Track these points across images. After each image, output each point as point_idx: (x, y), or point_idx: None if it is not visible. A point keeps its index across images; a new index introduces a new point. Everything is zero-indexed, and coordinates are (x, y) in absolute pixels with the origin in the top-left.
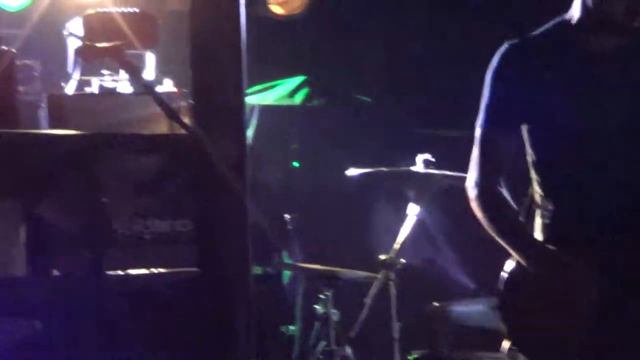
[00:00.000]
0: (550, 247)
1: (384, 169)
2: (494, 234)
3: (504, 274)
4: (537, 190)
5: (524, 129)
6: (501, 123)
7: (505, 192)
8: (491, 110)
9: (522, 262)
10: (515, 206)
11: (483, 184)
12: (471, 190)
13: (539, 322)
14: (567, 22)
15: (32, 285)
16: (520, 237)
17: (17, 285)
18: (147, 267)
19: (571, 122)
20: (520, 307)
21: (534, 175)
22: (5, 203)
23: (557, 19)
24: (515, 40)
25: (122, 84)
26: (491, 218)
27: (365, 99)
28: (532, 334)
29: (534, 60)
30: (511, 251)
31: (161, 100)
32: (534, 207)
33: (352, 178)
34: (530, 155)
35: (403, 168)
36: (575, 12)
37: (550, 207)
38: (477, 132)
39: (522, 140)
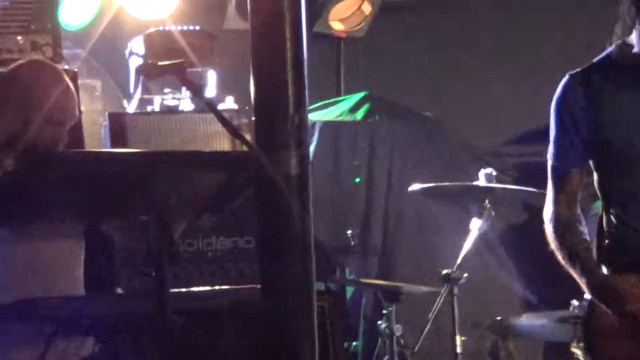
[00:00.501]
0: (605, 274)
1: (446, 183)
2: (565, 266)
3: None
4: (602, 207)
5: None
6: (569, 155)
7: (579, 222)
8: (558, 143)
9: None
10: (585, 236)
11: (556, 219)
12: (547, 225)
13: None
14: (627, 48)
15: (95, 304)
16: (580, 267)
17: (81, 304)
18: (210, 284)
19: (633, 141)
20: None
21: (599, 192)
22: (68, 222)
23: (618, 44)
24: (577, 71)
25: (184, 101)
26: (560, 249)
27: (427, 114)
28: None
29: (596, 85)
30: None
31: (223, 118)
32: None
33: (415, 193)
34: (595, 174)
35: (466, 183)
36: (636, 43)
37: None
38: (548, 164)
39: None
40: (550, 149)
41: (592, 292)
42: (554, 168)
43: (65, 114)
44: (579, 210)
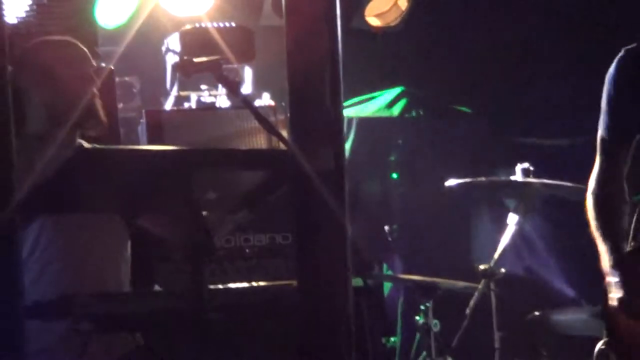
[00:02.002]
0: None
1: (483, 178)
2: (595, 239)
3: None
4: None
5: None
6: (619, 128)
7: (622, 198)
8: (609, 115)
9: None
10: (623, 214)
11: (598, 193)
12: (588, 198)
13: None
14: None
15: (133, 301)
16: (607, 244)
17: (119, 301)
18: (248, 280)
19: None
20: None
21: None
22: (108, 219)
23: None
24: (633, 45)
25: (221, 98)
26: (596, 226)
27: (464, 109)
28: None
29: None
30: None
31: (259, 114)
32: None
33: (451, 188)
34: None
35: (502, 178)
36: None
37: None
38: (598, 135)
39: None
40: (601, 120)
41: (610, 270)
42: (602, 140)
43: (85, 70)
44: (624, 186)
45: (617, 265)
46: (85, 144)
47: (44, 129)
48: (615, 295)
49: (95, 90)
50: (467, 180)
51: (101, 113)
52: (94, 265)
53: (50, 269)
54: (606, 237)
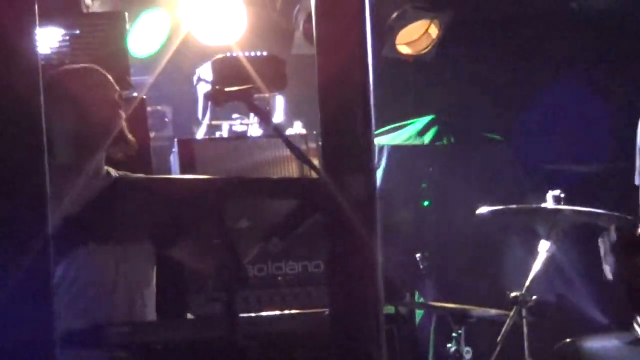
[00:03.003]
0: None
1: (514, 206)
2: None
3: None
4: None
5: None
6: None
7: None
8: None
9: None
10: None
11: None
12: None
13: None
14: None
15: (166, 330)
16: None
17: (151, 330)
18: (280, 309)
19: None
20: None
21: None
22: (139, 247)
23: None
24: None
25: (253, 127)
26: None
27: (495, 137)
28: None
29: None
30: None
31: (291, 143)
32: None
33: (483, 216)
34: None
35: (534, 205)
36: None
37: None
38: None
39: None
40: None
41: None
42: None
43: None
44: None
45: None
46: (113, 172)
47: (72, 159)
48: None
49: (121, 113)
50: (498, 207)
51: (129, 135)
52: (123, 295)
53: (80, 299)
54: None
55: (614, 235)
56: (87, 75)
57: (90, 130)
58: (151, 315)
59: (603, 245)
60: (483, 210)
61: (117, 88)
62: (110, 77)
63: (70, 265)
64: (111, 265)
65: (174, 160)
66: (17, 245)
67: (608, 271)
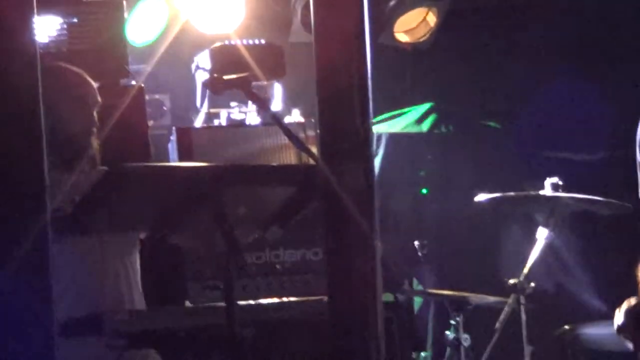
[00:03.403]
0: None
1: (512, 193)
2: None
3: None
4: None
5: None
6: None
7: None
8: None
9: None
10: None
11: None
12: None
13: None
14: None
15: (165, 317)
16: None
17: (151, 317)
18: (278, 296)
19: None
20: None
21: None
22: (137, 235)
23: None
24: None
25: (251, 115)
26: None
27: (493, 124)
28: None
29: None
30: None
31: (289, 131)
32: None
33: (481, 203)
34: None
35: (531, 192)
36: None
37: None
38: None
39: None
40: None
41: None
42: None
43: (87, 100)
44: None
45: None
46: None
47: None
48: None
49: (92, 119)
50: (496, 195)
51: (94, 148)
52: (111, 283)
53: (70, 290)
54: None
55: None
56: (55, 76)
57: (61, 132)
58: (138, 301)
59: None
60: (481, 197)
61: (94, 86)
62: (85, 75)
63: (67, 255)
64: (96, 256)
65: (172, 148)
66: (15, 235)
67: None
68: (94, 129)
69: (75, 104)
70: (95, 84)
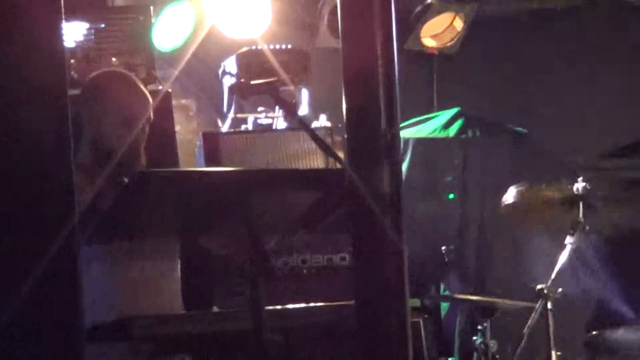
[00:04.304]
0: None
1: (543, 184)
2: None
3: None
4: None
5: None
6: None
7: None
8: None
9: None
10: None
11: None
12: None
13: None
14: None
15: (192, 322)
16: None
17: (178, 322)
18: (305, 301)
19: None
20: None
21: None
22: (164, 240)
23: None
24: None
25: (277, 120)
26: None
27: (520, 129)
28: None
29: None
30: None
31: (316, 136)
32: None
33: (508, 206)
34: None
35: (563, 181)
36: None
37: None
38: None
39: None
40: None
41: None
42: None
43: (138, 114)
44: None
45: None
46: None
47: (89, 163)
48: None
49: (143, 133)
50: (523, 188)
51: (142, 157)
52: (147, 290)
53: (104, 296)
54: None
55: None
56: (113, 84)
57: (107, 142)
58: (176, 308)
59: None
60: (508, 199)
61: (149, 99)
62: (140, 86)
63: (90, 264)
64: (132, 262)
65: (199, 153)
66: (44, 238)
67: None
68: (142, 144)
69: (126, 117)
70: (149, 97)
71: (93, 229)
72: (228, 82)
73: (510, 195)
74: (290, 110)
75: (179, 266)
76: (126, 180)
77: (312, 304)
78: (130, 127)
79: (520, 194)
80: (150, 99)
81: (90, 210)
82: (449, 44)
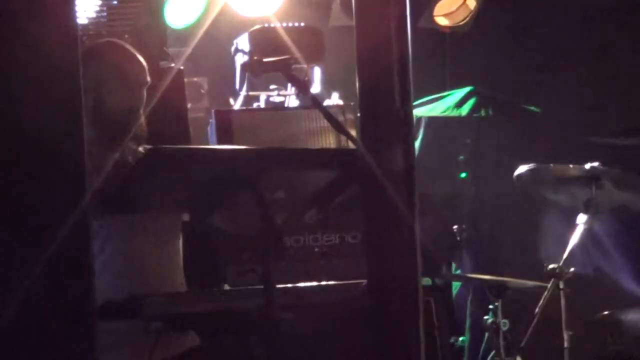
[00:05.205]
0: None
1: (551, 165)
2: None
3: None
4: None
5: None
6: None
7: None
8: None
9: None
10: None
11: None
12: None
13: None
14: None
15: (202, 300)
16: None
17: (188, 301)
18: (317, 280)
19: None
20: None
21: None
22: (180, 219)
23: None
24: None
25: (290, 98)
26: None
27: (533, 109)
28: None
29: None
30: None
31: (329, 114)
32: None
33: (520, 177)
34: None
35: (571, 165)
36: None
37: None
38: None
39: None
40: None
41: None
42: None
43: (134, 79)
44: None
45: None
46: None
47: (94, 133)
48: None
49: (142, 95)
50: (536, 165)
51: (143, 122)
52: (153, 267)
53: (111, 271)
54: None
55: None
56: (108, 52)
57: (108, 109)
58: (179, 281)
59: None
60: (521, 169)
61: (142, 63)
62: (135, 52)
63: (102, 237)
64: (142, 234)
65: (211, 131)
66: (54, 217)
67: None
68: (141, 108)
69: (124, 81)
70: (145, 63)
71: (102, 205)
72: (240, 59)
73: (522, 174)
74: (302, 88)
75: (180, 243)
76: (131, 159)
77: (323, 283)
78: (128, 91)
79: (532, 173)
80: (145, 64)
81: (99, 187)
82: (462, 23)
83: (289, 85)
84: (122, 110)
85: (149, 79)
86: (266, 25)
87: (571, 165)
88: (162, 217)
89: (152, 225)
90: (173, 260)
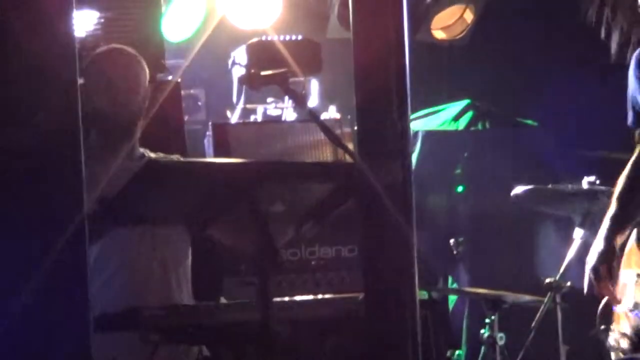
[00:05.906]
0: None
1: (550, 186)
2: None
3: None
4: None
5: None
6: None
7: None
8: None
9: None
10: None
11: (627, 174)
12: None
13: None
14: None
15: (200, 313)
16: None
17: (186, 313)
18: (314, 293)
19: None
20: None
21: None
22: (173, 228)
23: None
24: None
25: (287, 111)
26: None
27: (530, 122)
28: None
29: None
30: None
31: (325, 127)
32: None
33: (517, 197)
34: None
35: (569, 186)
36: None
37: None
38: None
39: None
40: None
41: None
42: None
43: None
44: None
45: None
46: (148, 153)
47: (103, 140)
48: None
49: (145, 96)
50: (533, 186)
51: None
52: (158, 277)
53: (113, 282)
54: (618, 205)
55: None
56: (115, 57)
57: (119, 113)
58: (186, 297)
59: None
60: (517, 190)
61: (146, 69)
62: (140, 59)
63: (104, 248)
64: (146, 248)
65: (208, 143)
66: (52, 226)
67: None
68: (140, 119)
69: (132, 85)
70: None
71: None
72: (238, 72)
73: (520, 194)
74: (300, 101)
75: (189, 255)
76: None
77: (320, 296)
78: (136, 96)
79: (530, 193)
80: (146, 68)
81: (98, 198)
82: (459, 36)
83: (286, 98)
84: (117, 114)
85: (147, 81)
86: (263, 38)
87: (570, 186)
88: (171, 235)
89: (156, 236)
90: (180, 273)
